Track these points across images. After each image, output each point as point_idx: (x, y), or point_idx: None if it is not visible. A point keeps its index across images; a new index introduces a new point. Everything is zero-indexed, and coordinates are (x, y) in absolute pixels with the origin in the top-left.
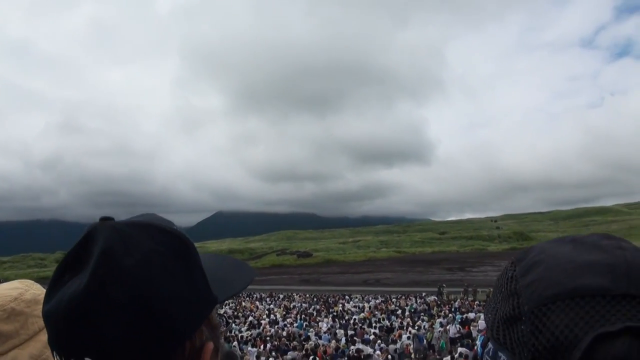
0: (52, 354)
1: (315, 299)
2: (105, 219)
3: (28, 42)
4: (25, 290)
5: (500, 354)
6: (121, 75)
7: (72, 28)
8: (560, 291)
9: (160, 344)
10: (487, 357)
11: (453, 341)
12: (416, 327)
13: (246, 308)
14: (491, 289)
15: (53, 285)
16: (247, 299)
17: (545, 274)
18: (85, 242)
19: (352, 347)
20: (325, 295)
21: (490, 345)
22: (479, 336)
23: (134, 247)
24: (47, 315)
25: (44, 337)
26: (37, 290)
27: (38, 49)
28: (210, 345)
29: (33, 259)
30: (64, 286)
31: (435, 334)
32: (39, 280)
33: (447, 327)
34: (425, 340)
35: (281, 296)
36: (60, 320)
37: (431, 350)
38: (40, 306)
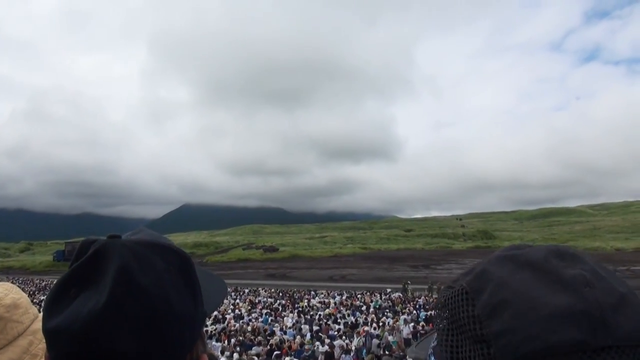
0: None
1: (280, 294)
2: (113, 237)
3: None
4: (4, 295)
5: None
6: (89, 63)
7: (41, 13)
8: (537, 348)
9: (170, 358)
10: None
11: (407, 342)
12: (380, 323)
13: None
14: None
15: (57, 300)
16: None
17: (516, 323)
18: (95, 259)
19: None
20: (290, 291)
21: None
22: (433, 358)
23: (148, 266)
24: (58, 331)
25: (22, 341)
26: (16, 295)
27: (5, 33)
28: (205, 357)
29: None
30: (72, 302)
31: (386, 334)
32: (3, 269)
33: (400, 327)
34: (377, 339)
35: (246, 291)
36: (76, 337)
37: (385, 351)
38: (20, 310)
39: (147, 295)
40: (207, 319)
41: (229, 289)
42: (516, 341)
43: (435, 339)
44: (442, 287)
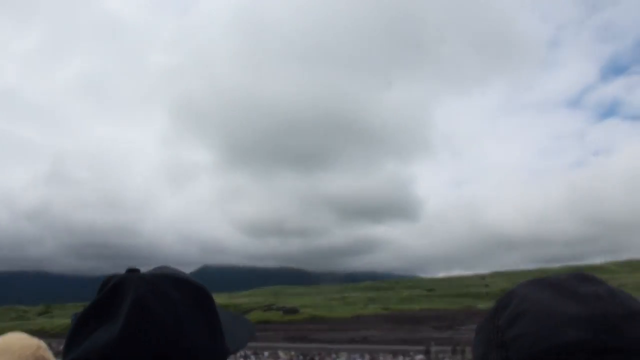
0: None
1: (301, 357)
2: (132, 271)
3: (17, 91)
4: (38, 340)
5: None
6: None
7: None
8: (546, 348)
9: None
10: None
11: None
12: None
13: None
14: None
15: (76, 334)
16: (231, 357)
17: (530, 328)
18: (113, 292)
19: None
20: (311, 353)
21: None
22: None
23: (163, 298)
24: None
25: None
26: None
27: (27, 99)
28: None
29: (15, 311)
30: (90, 334)
31: None
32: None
33: None
34: None
35: (266, 354)
36: None
37: None
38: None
39: (162, 325)
40: None
41: (247, 352)
42: (529, 343)
43: None
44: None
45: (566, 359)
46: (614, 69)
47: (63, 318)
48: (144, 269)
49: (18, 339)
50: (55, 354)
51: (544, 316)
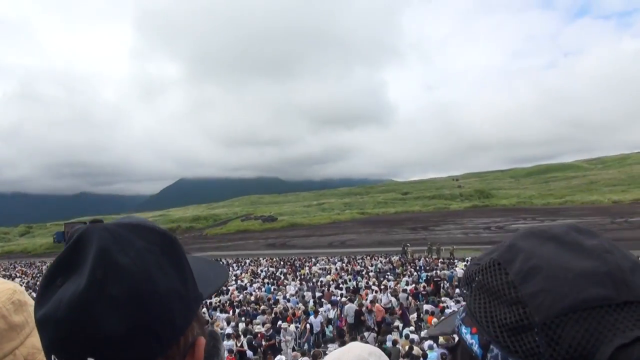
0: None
1: (281, 263)
2: (95, 222)
3: None
4: (14, 284)
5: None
6: (78, 42)
7: None
8: (569, 304)
9: (159, 340)
10: None
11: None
12: (382, 286)
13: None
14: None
15: (44, 290)
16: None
17: (548, 284)
18: (76, 245)
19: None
20: (291, 259)
21: (495, 349)
22: (465, 329)
23: (128, 246)
24: (44, 320)
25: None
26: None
27: None
28: (203, 340)
29: None
30: (57, 289)
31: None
32: (3, 254)
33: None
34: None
35: (247, 261)
36: (61, 322)
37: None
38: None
39: (128, 274)
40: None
41: (229, 260)
42: (550, 299)
43: (463, 312)
44: (468, 264)
45: (591, 314)
46: None
47: (44, 237)
48: (121, 186)
49: None
50: (40, 273)
51: (561, 272)
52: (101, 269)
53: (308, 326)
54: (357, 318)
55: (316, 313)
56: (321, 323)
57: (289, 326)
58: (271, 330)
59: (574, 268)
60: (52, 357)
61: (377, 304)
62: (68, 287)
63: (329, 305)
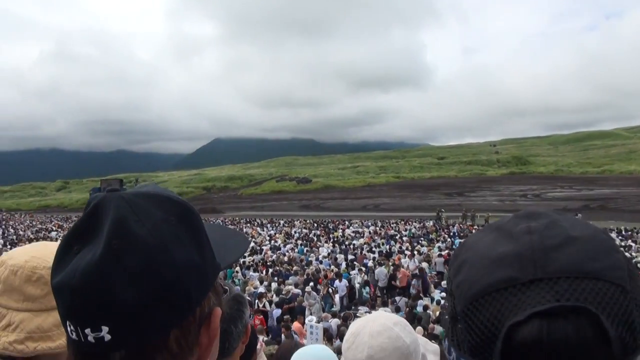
0: (65, 325)
1: (315, 225)
2: (112, 190)
3: None
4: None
5: (452, 349)
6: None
7: None
8: (479, 289)
9: (174, 310)
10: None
11: (440, 275)
12: (415, 252)
13: (248, 234)
14: (489, 214)
15: (61, 257)
16: (249, 225)
17: (468, 274)
18: (94, 213)
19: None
20: (325, 221)
21: (452, 352)
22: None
23: (144, 216)
24: (60, 287)
25: None
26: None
27: None
28: (219, 311)
29: (34, 187)
30: (74, 257)
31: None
32: (40, 208)
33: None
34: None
35: (282, 222)
36: (76, 290)
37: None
38: None
39: (144, 244)
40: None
41: (264, 220)
42: (467, 287)
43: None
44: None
45: (495, 297)
46: None
47: (81, 193)
48: (157, 144)
49: None
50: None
51: (480, 260)
52: (117, 239)
53: (331, 290)
54: (389, 282)
55: (339, 277)
56: (347, 287)
57: (311, 290)
58: (290, 293)
59: (492, 254)
60: (67, 323)
61: (401, 269)
62: (84, 255)
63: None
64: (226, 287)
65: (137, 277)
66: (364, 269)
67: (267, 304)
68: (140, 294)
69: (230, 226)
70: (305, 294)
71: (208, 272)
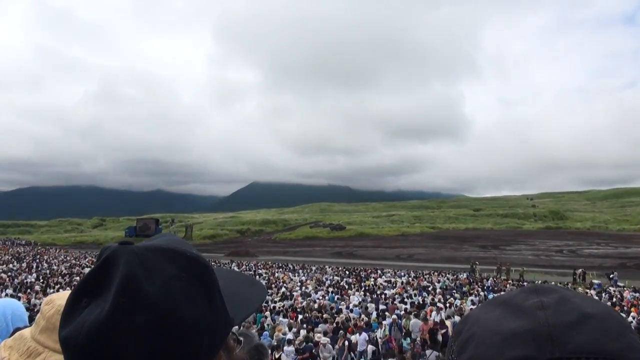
0: None
1: (347, 272)
2: (125, 243)
3: (69, 10)
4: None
5: None
6: (158, 46)
7: None
8: None
9: None
10: None
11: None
12: (447, 304)
13: (279, 279)
14: (524, 269)
15: (70, 309)
16: (281, 269)
17: (477, 351)
18: (104, 266)
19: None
20: (357, 269)
21: None
22: None
23: (155, 273)
24: (67, 341)
25: None
26: None
27: (79, 18)
28: None
29: (70, 223)
30: (82, 311)
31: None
32: (75, 244)
33: (466, 308)
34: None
35: (313, 268)
36: (82, 347)
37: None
38: None
39: (153, 303)
40: (275, 295)
41: (296, 266)
42: None
43: None
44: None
45: None
46: None
47: (116, 230)
48: (195, 186)
49: None
50: None
51: (490, 337)
52: (125, 296)
53: (347, 343)
54: (432, 336)
55: (359, 328)
56: (366, 340)
57: (326, 341)
58: (304, 343)
59: (503, 331)
60: None
61: (428, 321)
62: (92, 310)
63: (390, 319)
64: (240, 338)
65: (144, 336)
66: (396, 317)
67: (282, 357)
68: (147, 354)
69: (262, 270)
70: (320, 345)
71: (220, 331)
